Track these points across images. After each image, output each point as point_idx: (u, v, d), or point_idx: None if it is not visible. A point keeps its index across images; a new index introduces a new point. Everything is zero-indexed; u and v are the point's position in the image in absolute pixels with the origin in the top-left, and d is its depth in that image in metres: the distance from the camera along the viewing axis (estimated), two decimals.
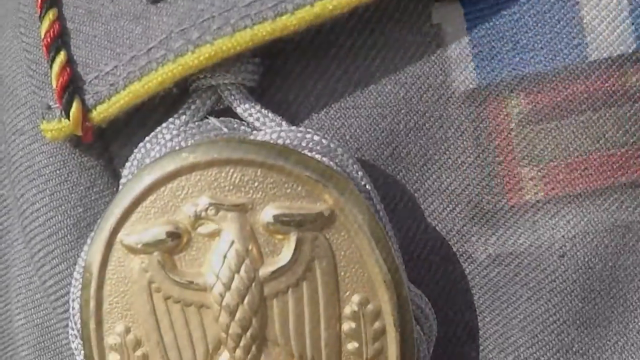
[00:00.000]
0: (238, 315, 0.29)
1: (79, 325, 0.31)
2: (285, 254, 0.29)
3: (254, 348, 0.29)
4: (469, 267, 0.32)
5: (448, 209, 0.32)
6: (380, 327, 0.29)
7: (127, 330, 0.29)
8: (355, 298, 0.29)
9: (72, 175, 0.32)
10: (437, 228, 0.33)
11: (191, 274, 0.29)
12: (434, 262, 0.33)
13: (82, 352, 0.31)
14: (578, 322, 0.31)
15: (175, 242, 0.29)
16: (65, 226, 0.32)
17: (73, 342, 0.32)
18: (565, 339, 0.31)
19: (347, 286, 0.29)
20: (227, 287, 0.28)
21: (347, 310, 0.29)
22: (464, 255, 0.32)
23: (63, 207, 0.32)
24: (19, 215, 0.34)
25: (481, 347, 0.33)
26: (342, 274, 0.29)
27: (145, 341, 0.29)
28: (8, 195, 0.38)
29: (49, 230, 0.32)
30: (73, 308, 0.31)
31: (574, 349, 0.32)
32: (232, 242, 0.28)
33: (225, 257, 0.28)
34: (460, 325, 0.33)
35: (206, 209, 0.28)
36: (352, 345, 0.29)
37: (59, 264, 0.33)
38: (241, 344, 0.29)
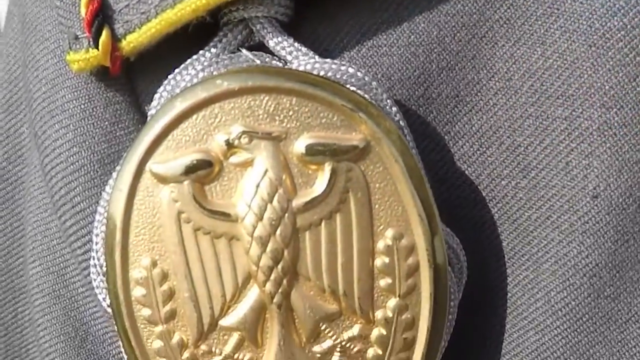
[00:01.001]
0: (270, 246, 0.28)
1: (102, 261, 0.30)
2: (319, 185, 0.28)
3: (284, 282, 0.28)
4: (499, 212, 0.32)
5: (479, 152, 0.32)
6: (414, 263, 0.29)
7: (154, 264, 0.29)
8: (389, 232, 0.28)
9: (97, 110, 0.31)
10: (467, 172, 0.32)
11: (222, 204, 0.28)
12: (464, 206, 0.32)
13: (104, 289, 0.30)
14: (610, 265, 0.31)
15: (207, 170, 0.28)
16: (88, 162, 0.31)
17: (95, 279, 0.31)
18: (597, 282, 0.31)
19: (381, 220, 0.28)
20: (259, 217, 0.28)
21: (380, 244, 0.28)
22: (494, 199, 0.32)
23: (87, 143, 0.31)
24: (39, 154, 0.33)
25: (509, 295, 0.33)
26: (376, 207, 0.28)
27: (172, 275, 0.29)
28: (25, 143, 0.38)
29: (71, 166, 0.32)
30: (96, 243, 0.30)
31: (605, 294, 0.31)
32: (265, 171, 0.28)
33: (257, 186, 0.28)
34: (488, 271, 0.33)
35: (239, 137, 0.28)
36: (385, 282, 0.29)
37: (81, 202, 0.32)
38: (272, 277, 0.28)
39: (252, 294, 0.29)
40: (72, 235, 0.33)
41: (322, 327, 0.29)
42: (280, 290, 0.28)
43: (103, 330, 0.36)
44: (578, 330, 0.31)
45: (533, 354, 0.32)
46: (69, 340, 0.36)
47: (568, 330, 0.31)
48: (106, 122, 0.32)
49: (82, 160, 0.31)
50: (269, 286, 0.28)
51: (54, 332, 0.36)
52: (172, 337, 0.29)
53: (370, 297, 0.29)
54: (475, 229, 0.33)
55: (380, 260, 0.29)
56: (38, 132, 0.33)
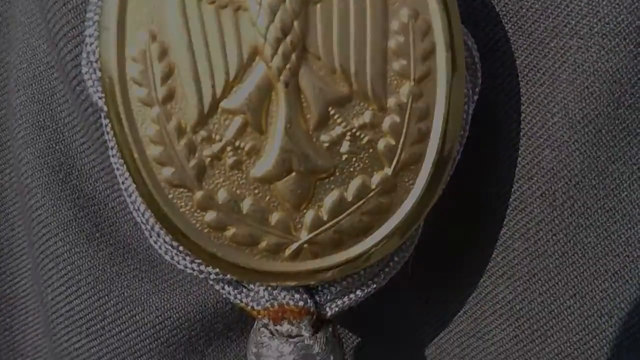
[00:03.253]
0: (279, 15, 0.26)
1: (94, 47, 0.28)
2: None
3: (293, 57, 0.26)
4: (513, 27, 0.30)
5: None
6: (429, 46, 0.27)
7: (153, 37, 0.26)
8: (404, 11, 0.27)
9: None
10: None
11: None
12: (475, 23, 0.31)
13: (96, 81, 0.28)
14: (631, 71, 0.29)
15: None
16: None
17: (86, 72, 0.28)
18: (618, 90, 0.29)
19: None
20: None
21: (395, 24, 0.27)
22: (508, 14, 0.30)
23: None
24: None
25: (524, 114, 0.31)
26: None
27: (171, 49, 0.26)
28: None
29: None
30: (89, 27, 0.28)
31: (626, 103, 0.30)
32: None
33: None
34: (501, 91, 0.31)
35: None
36: (398, 64, 0.27)
37: None
38: (279, 50, 0.26)
39: (258, 71, 0.26)
40: (61, 40, 0.30)
41: (332, 113, 0.27)
42: (288, 66, 0.26)
43: (90, 165, 0.34)
44: (597, 144, 0.30)
45: (549, 174, 0.30)
46: (52, 174, 0.34)
47: (587, 144, 0.30)
48: None
49: None
50: (276, 61, 0.26)
51: (36, 166, 0.34)
52: (169, 120, 0.27)
53: (383, 80, 0.27)
54: (488, 47, 0.31)
55: (394, 41, 0.27)
56: None
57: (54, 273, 0.34)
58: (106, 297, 0.33)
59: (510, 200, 0.31)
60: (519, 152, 0.31)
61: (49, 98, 0.34)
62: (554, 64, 0.30)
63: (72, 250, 0.33)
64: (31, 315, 0.39)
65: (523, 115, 0.31)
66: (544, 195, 0.31)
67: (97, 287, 0.33)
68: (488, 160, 0.31)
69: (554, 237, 0.31)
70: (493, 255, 0.32)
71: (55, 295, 0.34)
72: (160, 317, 0.33)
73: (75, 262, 0.33)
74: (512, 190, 0.31)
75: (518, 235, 0.31)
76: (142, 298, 0.33)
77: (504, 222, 0.32)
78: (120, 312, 0.33)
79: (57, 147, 0.34)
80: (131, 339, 0.33)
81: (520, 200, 0.31)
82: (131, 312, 0.33)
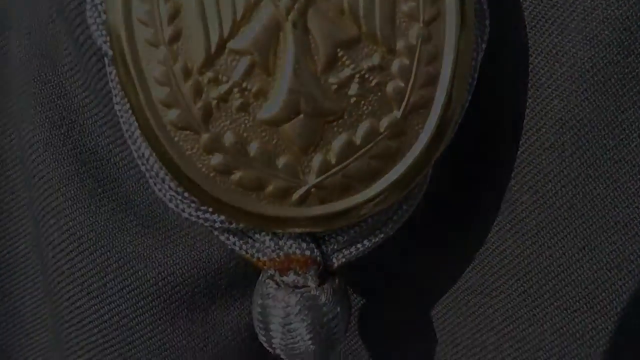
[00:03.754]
0: None
1: None
2: None
3: None
4: None
5: None
6: None
7: None
8: None
9: None
10: None
11: None
12: None
13: (101, 25, 0.28)
14: None
15: None
16: None
17: (90, 16, 0.28)
18: (627, 38, 0.29)
19: None
20: None
21: None
22: None
23: None
24: None
25: (532, 66, 0.30)
26: None
27: None
28: None
29: None
30: None
31: (636, 51, 0.29)
32: None
33: None
34: (508, 44, 0.31)
35: None
36: (407, 5, 0.27)
37: None
38: None
39: (266, 11, 0.26)
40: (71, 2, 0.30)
41: (340, 54, 0.27)
42: (296, 6, 0.26)
43: (93, 119, 0.33)
44: (606, 93, 0.30)
45: (557, 124, 0.30)
46: (54, 129, 0.33)
47: (596, 94, 0.30)
48: None
49: None
50: (284, 0, 0.26)
51: (37, 121, 0.33)
52: (175, 61, 0.26)
53: (392, 22, 0.27)
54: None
55: None
56: None
57: (55, 229, 0.33)
58: (108, 254, 0.33)
59: (519, 152, 0.31)
60: (527, 103, 0.31)
61: (51, 52, 0.33)
62: (563, 13, 0.30)
63: (74, 206, 0.33)
64: (31, 281, 0.38)
65: (531, 66, 0.31)
66: (552, 146, 0.30)
67: (99, 243, 0.33)
68: (496, 111, 0.31)
69: (562, 189, 0.30)
70: (501, 209, 0.32)
71: (56, 253, 0.33)
72: (163, 274, 0.33)
73: (77, 218, 0.33)
74: (520, 141, 0.31)
75: (526, 187, 0.31)
76: (145, 254, 0.33)
77: (512, 175, 0.31)
78: (122, 268, 0.33)
79: (58, 102, 0.33)
80: (133, 295, 0.33)
81: (529, 152, 0.31)
82: (133, 269, 0.33)
